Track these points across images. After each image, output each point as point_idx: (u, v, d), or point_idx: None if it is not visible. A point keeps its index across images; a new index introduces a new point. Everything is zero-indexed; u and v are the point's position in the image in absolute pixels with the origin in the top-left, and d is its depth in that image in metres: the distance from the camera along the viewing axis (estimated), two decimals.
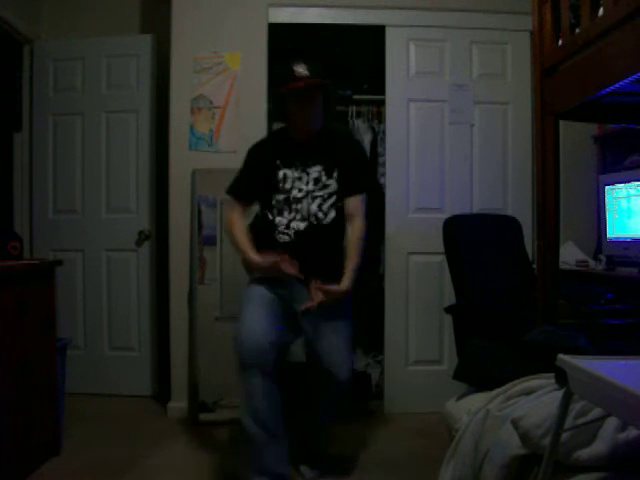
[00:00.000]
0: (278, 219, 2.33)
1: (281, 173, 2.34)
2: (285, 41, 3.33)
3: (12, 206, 3.56)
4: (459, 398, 1.93)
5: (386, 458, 2.66)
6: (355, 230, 2.33)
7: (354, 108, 3.60)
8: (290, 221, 2.31)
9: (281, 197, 2.33)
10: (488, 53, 3.39)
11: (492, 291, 2.52)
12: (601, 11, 1.80)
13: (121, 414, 3.20)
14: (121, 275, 3.55)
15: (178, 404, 3.22)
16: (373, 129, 3.57)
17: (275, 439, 2.19)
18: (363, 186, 2.40)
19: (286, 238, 2.31)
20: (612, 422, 1.25)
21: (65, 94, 3.58)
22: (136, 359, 3.53)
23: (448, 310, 2.63)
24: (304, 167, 2.33)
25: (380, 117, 3.56)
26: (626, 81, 1.70)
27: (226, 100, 3.26)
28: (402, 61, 3.35)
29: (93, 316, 3.55)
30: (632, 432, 1.21)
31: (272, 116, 3.23)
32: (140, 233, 3.51)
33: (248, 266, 2.36)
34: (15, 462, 2.25)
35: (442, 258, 2.71)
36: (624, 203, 2.95)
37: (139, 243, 3.53)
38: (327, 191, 2.33)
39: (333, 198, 2.33)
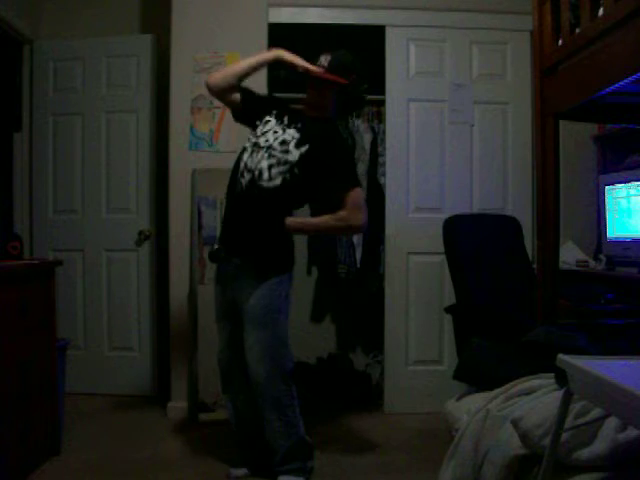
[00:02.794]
0: (242, 162, 2.34)
1: (266, 117, 2.39)
2: (285, 41, 3.33)
3: (12, 206, 3.56)
4: (459, 398, 1.93)
5: (386, 458, 2.66)
6: (336, 215, 2.26)
7: None
8: (245, 167, 2.31)
9: (252, 139, 2.37)
10: (488, 53, 3.39)
11: (492, 291, 2.52)
12: (601, 11, 1.80)
13: (121, 414, 3.20)
14: (121, 275, 3.55)
15: (178, 404, 3.21)
16: (373, 129, 3.57)
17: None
18: (347, 181, 2.28)
19: (238, 187, 2.32)
20: (612, 422, 1.24)
21: (65, 94, 3.58)
22: (136, 359, 3.53)
23: (448, 310, 2.64)
24: (287, 125, 2.34)
25: (380, 117, 3.56)
26: (626, 81, 1.70)
27: None
28: (402, 61, 3.35)
29: (93, 316, 3.55)
30: (632, 432, 1.21)
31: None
32: (140, 233, 3.51)
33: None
34: (15, 462, 2.24)
35: (442, 258, 2.71)
36: (624, 203, 2.95)
37: (139, 243, 3.53)
38: (285, 157, 2.27)
39: (286, 167, 2.26)
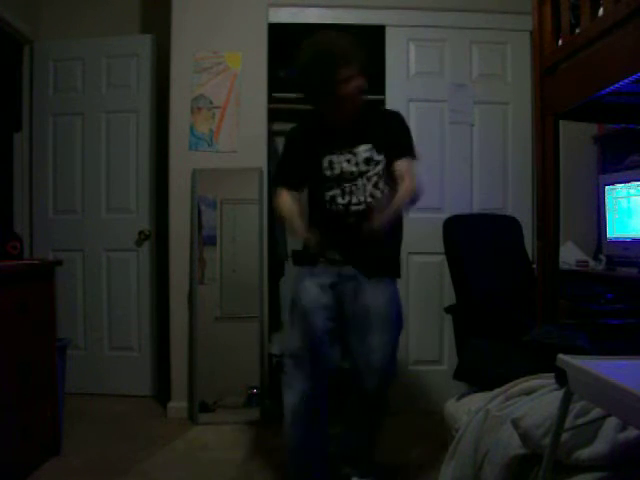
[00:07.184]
0: (335, 207, 2.19)
1: (326, 160, 2.20)
2: (285, 41, 3.34)
3: (12, 206, 3.56)
4: (459, 398, 1.93)
5: (386, 458, 2.65)
6: (403, 188, 2.10)
7: None
8: (348, 205, 2.18)
9: (331, 184, 2.19)
10: (488, 53, 3.39)
11: (492, 291, 2.52)
12: (601, 11, 1.80)
13: (121, 414, 3.20)
14: (121, 275, 3.55)
15: (178, 404, 3.22)
16: None
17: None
18: (409, 148, 2.20)
19: (351, 220, 2.17)
20: (612, 422, 1.24)
21: (65, 94, 3.58)
22: (136, 359, 3.53)
23: (448, 310, 2.64)
24: (350, 149, 2.19)
25: None
26: (626, 81, 1.70)
27: (226, 100, 3.26)
28: (402, 61, 3.35)
29: (93, 316, 3.55)
30: (632, 432, 1.21)
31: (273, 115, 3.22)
32: (140, 233, 3.51)
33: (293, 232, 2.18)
34: (15, 462, 2.25)
35: (442, 258, 2.71)
36: (624, 203, 2.95)
37: (139, 243, 3.53)
38: (380, 168, 2.18)
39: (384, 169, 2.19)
